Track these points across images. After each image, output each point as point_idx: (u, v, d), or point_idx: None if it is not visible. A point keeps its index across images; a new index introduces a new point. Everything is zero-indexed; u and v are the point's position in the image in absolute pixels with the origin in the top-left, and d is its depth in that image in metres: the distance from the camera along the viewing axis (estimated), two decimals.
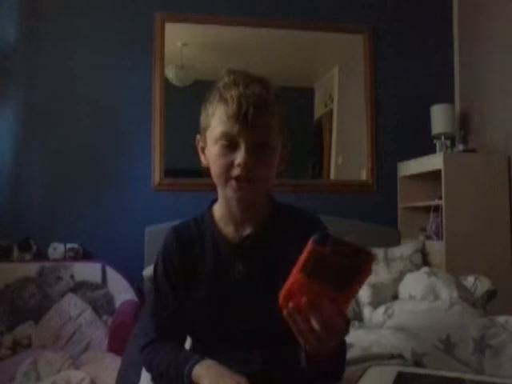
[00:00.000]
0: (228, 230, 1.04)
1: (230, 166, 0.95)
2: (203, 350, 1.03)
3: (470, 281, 2.14)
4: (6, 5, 2.84)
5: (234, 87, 0.94)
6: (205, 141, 1.02)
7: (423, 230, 2.99)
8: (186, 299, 1.03)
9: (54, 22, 2.90)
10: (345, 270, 0.69)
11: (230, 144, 0.95)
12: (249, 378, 0.88)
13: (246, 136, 0.94)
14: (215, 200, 1.08)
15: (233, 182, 0.95)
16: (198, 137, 1.05)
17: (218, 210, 1.07)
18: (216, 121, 0.97)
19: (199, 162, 1.06)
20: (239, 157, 0.93)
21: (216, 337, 1.02)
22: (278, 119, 0.98)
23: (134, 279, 2.66)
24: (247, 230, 1.04)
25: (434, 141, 3.04)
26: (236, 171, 0.94)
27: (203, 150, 1.04)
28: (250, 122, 0.93)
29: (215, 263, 1.03)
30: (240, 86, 0.94)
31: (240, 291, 1.00)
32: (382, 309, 1.95)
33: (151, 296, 1.08)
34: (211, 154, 0.99)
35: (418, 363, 1.34)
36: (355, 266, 0.69)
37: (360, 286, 0.71)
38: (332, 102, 3.22)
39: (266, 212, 1.06)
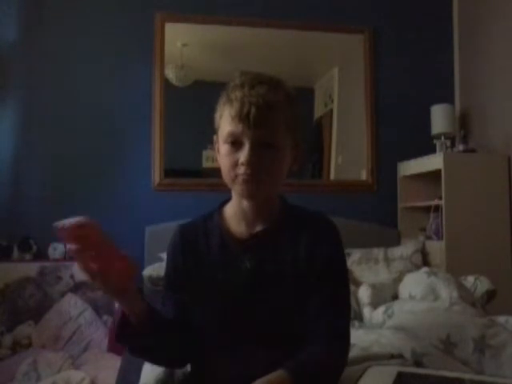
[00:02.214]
0: (239, 228, 1.05)
1: (235, 164, 0.97)
2: (208, 350, 1.03)
3: (469, 281, 2.14)
4: (5, 5, 2.85)
5: (240, 88, 0.97)
6: (218, 141, 1.04)
7: (423, 230, 2.99)
8: (192, 297, 1.03)
9: (54, 22, 2.90)
10: None
11: (235, 143, 0.97)
12: (252, 379, 0.88)
13: (250, 135, 0.95)
14: (226, 200, 1.10)
15: (239, 179, 0.97)
16: (215, 138, 1.07)
17: (229, 208, 1.08)
18: (224, 121, 0.99)
19: (217, 161, 1.08)
20: (243, 156, 0.95)
21: (220, 336, 1.02)
22: (286, 119, 0.99)
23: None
24: (258, 228, 1.05)
25: (434, 141, 3.04)
26: (240, 170, 0.96)
27: (218, 149, 1.05)
28: (253, 122, 0.94)
29: (222, 260, 1.04)
30: (245, 87, 0.96)
31: (246, 288, 1.01)
32: (381, 309, 1.95)
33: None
34: (221, 153, 1.01)
35: (417, 363, 1.34)
36: None
37: None
38: (332, 102, 3.22)
39: (278, 212, 1.07)
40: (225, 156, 0.99)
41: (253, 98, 0.95)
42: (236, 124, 0.95)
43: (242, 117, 0.94)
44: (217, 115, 1.03)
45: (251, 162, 0.95)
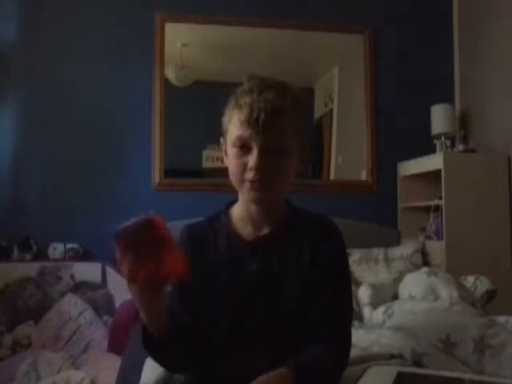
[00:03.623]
0: (246, 230, 1.06)
1: (243, 168, 0.99)
2: (210, 349, 1.03)
3: (469, 281, 2.14)
4: (5, 5, 2.85)
5: (249, 94, 0.98)
6: (226, 143, 1.06)
7: (423, 230, 2.99)
8: (196, 296, 1.04)
9: (54, 22, 2.89)
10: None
11: (244, 148, 0.98)
12: (253, 379, 0.88)
13: (258, 141, 0.97)
14: (233, 202, 1.11)
15: (247, 185, 0.99)
16: (222, 139, 1.08)
17: (236, 210, 1.09)
18: (232, 126, 1.01)
19: (223, 162, 1.09)
20: (251, 160, 0.97)
21: (222, 335, 1.02)
22: (293, 123, 1.01)
23: None
24: (264, 231, 1.06)
25: (434, 141, 3.04)
26: (249, 174, 0.98)
27: (226, 151, 1.07)
28: (262, 128, 0.96)
29: (229, 260, 1.05)
30: (254, 92, 0.98)
31: (250, 289, 1.02)
32: (381, 309, 1.95)
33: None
34: (229, 156, 1.03)
35: (417, 363, 1.34)
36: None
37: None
38: (332, 102, 3.22)
39: (284, 214, 1.08)
40: (233, 159, 1.01)
41: (261, 103, 0.96)
42: (245, 129, 0.97)
43: (251, 122, 0.96)
44: (225, 118, 1.04)
45: (259, 167, 0.96)
